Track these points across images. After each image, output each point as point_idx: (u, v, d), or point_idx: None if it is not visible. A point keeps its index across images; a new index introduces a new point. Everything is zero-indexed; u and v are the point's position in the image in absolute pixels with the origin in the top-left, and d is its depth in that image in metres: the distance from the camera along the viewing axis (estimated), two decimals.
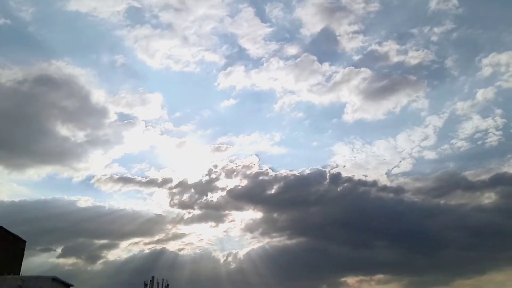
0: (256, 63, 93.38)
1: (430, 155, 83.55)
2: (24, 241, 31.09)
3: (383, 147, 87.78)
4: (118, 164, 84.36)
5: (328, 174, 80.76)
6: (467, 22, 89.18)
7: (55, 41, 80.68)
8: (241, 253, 75.03)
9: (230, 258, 74.50)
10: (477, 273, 63.31)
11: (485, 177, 70.75)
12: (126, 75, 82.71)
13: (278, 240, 75.72)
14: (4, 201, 63.81)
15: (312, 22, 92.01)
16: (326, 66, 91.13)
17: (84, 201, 75.26)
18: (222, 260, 73.48)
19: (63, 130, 71.51)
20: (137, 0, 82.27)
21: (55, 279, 27.48)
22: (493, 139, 77.09)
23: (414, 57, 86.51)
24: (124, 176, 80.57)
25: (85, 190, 78.66)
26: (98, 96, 73.22)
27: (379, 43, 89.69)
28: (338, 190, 76.92)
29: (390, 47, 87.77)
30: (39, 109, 68.52)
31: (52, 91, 70.92)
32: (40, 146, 67.55)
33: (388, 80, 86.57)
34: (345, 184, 77.64)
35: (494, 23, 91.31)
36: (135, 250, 71.62)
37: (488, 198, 69.36)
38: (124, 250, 71.73)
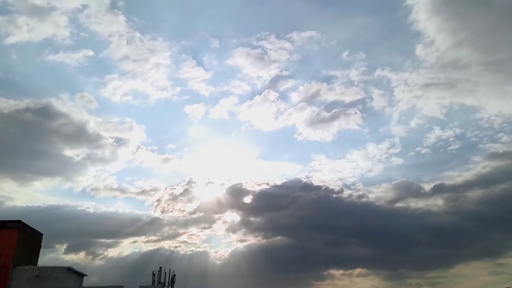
0: (212, 100, 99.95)
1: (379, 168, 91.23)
2: (41, 234, 32.78)
3: (344, 161, 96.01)
4: (115, 177, 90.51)
5: (301, 183, 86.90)
6: (378, 67, 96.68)
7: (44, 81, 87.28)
8: (229, 251, 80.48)
9: (218, 255, 79.38)
10: (446, 266, 71.44)
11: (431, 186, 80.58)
12: (111, 110, 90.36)
13: (261, 239, 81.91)
14: (17, 206, 68.56)
15: (247, 69, 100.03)
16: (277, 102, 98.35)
17: (86, 207, 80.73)
18: (212, 257, 78.20)
19: (66, 151, 78.39)
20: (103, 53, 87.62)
21: (70, 269, 29.30)
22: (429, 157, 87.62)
23: (345, 93, 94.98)
24: (120, 186, 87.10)
25: (87, 198, 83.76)
26: (94, 123, 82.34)
27: (310, 84, 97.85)
28: (311, 196, 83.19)
29: (321, 86, 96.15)
30: (42, 134, 75.05)
31: (52, 120, 77.38)
32: (45, 163, 74.73)
33: (329, 112, 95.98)
34: (317, 192, 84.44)
35: (401, 68, 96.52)
36: (135, 247, 77.81)
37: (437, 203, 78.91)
38: (125, 248, 77.25)
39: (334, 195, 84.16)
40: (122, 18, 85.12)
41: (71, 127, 78.08)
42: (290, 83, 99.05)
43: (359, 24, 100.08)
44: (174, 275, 28.96)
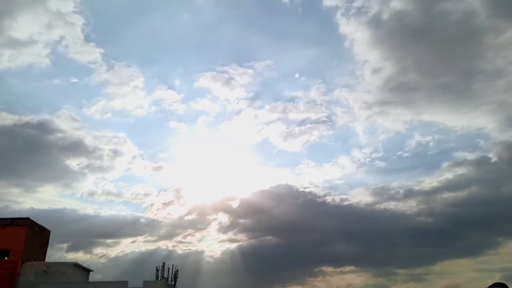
0: (190, 118, 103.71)
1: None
2: (49, 231, 33.76)
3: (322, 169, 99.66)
4: (114, 184, 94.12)
5: (288, 188, 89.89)
6: (337, 87, 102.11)
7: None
8: (222, 250, 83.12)
9: (212, 254, 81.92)
10: (429, 264, 75.85)
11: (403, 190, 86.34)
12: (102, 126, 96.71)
13: (251, 239, 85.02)
14: (24, 209, 71.93)
15: (217, 91, 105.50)
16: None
17: (87, 210, 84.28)
18: (206, 255, 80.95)
19: (66, 161, 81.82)
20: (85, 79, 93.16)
21: (76, 265, 30.21)
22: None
23: (310, 110, 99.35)
24: (119, 191, 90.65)
25: (87, 202, 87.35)
26: (89, 137, 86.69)
27: (277, 103, 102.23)
28: (298, 200, 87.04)
29: (285, 106, 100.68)
30: (42, 146, 78.48)
31: (50, 134, 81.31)
32: (47, 171, 78.45)
33: (301, 127, 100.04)
34: (302, 195, 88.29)
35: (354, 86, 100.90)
36: (134, 247, 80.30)
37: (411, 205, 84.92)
38: (124, 247, 79.85)
39: (319, 199, 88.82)
40: (98, 49, 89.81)
41: (68, 140, 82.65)
42: (257, 103, 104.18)
43: (311, 55, 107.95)
44: (177, 270, 29.73)
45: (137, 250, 76.67)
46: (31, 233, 30.85)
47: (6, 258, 29.66)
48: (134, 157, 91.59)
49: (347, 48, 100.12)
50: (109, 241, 78.06)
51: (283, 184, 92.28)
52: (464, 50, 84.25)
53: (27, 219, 31.29)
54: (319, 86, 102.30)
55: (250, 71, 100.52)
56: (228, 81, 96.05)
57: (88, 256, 72.48)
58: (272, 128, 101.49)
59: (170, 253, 72.12)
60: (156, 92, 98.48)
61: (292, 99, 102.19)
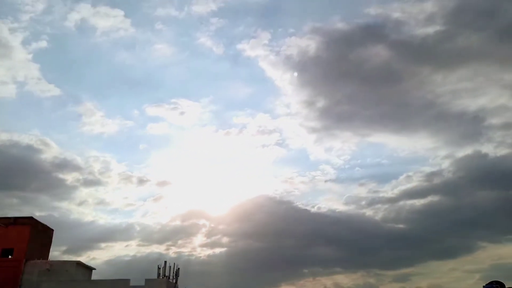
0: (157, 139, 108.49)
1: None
2: (52, 230, 34.18)
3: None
4: (108, 194, 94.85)
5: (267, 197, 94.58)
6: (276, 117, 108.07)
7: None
8: (209, 253, 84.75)
9: (201, 257, 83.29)
10: (408, 266, 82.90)
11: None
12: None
13: (238, 244, 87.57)
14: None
15: (171, 118, 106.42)
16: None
17: (82, 217, 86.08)
18: (194, 258, 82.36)
19: (58, 175, 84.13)
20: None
21: (79, 263, 30.62)
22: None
23: (258, 135, 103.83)
24: (111, 201, 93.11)
25: (82, 210, 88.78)
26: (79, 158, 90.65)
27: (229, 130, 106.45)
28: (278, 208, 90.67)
29: (239, 131, 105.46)
30: (37, 163, 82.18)
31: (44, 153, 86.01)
32: (40, 184, 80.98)
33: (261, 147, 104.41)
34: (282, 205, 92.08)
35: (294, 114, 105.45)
36: (128, 250, 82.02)
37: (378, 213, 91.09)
38: (118, 251, 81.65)
39: (296, 207, 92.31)
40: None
41: (60, 158, 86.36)
42: (213, 128, 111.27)
43: (249, 92, 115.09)
44: (178, 268, 29.98)
45: (131, 253, 79.29)
46: (34, 232, 31.27)
47: (10, 256, 30.13)
48: (119, 173, 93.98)
49: (279, 86, 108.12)
50: (103, 244, 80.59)
51: (261, 194, 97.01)
52: (390, 89, 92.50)
53: (31, 218, 31.74)
54: (263, 115, 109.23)
55: (197, 103, 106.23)
56: (181, 112, 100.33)
57: (81, 259, 74.91)
58: (236, 147, 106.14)
59: (162, 256, 74.53)
60: (117, 120, 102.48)
61: (244, 126, 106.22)
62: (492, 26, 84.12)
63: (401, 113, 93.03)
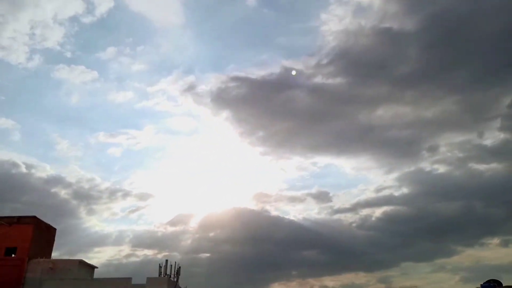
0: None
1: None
2: (55, 229, 34.50)
3: None
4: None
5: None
6: None
7: None
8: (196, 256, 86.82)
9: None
10: (391, 266, 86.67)
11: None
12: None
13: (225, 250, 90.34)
14: None
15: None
16: None
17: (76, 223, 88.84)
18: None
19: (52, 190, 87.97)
20: None
21: (81, 262, 30.94)
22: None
23: None
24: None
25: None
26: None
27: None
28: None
29: None
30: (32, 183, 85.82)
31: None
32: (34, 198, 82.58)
33: None
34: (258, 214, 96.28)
35: None
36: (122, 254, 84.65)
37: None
38: (112, 255, 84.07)
39: (271, 216, 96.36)
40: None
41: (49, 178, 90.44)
42: None
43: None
44: (180, 267, 30.27)
45: (124, 259, 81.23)
46: (37, 231, 31.59)
47: (13, 255, 30.45)
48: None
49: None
50: (97, 248, 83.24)
51: (239, 206, 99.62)
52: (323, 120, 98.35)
53: (34, 217, 32.03)
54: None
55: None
56: None
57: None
58: None
59: (153, 260, 77.31)
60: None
61: None
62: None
63: (340, 140, 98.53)
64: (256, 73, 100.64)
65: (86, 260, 32.24)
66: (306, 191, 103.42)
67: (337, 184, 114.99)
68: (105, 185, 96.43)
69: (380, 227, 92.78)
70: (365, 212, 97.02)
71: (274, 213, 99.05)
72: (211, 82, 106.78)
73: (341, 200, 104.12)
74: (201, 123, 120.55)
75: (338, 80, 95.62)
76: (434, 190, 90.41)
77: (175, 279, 30.08)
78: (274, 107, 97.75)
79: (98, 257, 78.98)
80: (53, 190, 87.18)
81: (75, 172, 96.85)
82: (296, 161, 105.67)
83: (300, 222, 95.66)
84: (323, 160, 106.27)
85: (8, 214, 32.80)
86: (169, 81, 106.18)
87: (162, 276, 29.05)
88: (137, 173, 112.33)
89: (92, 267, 32.77)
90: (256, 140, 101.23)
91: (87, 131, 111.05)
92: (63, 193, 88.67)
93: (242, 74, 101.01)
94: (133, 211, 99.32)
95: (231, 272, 79.05)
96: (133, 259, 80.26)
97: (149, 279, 28.36)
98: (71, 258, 32.33)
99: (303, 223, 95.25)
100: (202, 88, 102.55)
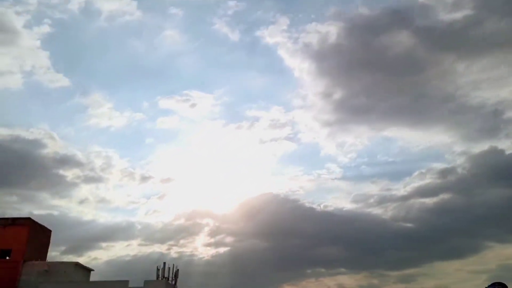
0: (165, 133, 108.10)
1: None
2: (50, 231, 33.89)
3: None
4: (109, 191, 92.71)
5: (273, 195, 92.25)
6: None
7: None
8: (213, 253, 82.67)
9: (204, 258, 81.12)
10: (416, 265, 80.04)
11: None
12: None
13: (241, 243, 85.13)
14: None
15: (182, 111, 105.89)
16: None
17: (83, 215, 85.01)
18: (198, 258, 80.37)
19: (59, 171, 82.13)
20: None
21: (77, 264, 30.38)
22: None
23: (272, 127, 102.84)
24: (112, 198, 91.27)
25: (82, 208, 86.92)
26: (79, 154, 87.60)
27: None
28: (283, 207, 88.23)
29: (251, 124, 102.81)
30: (37, 159, 79.52)
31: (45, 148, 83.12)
32: (41, 181, 78.98)
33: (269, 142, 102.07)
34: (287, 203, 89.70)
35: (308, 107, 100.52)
36: (129, 250, 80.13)
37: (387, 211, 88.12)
38: (119, 251, 79.81)
39: (302, 205, 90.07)
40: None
41: (59, 156, 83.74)
42: (223, 122, 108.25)
43: (264, 82, 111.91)
44: (178, 270, 29.82)
45: (131, 253, 77.67)
46: (32, 233, 31.00)
47: (7, 257, 29.85)
48: (122, 169, 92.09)
49: (296, 76, 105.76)
50: (104, 244, 78.97)
51: (267, 192, 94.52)
52: (411, 78, 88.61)
53: (29, 218, 31.50)
54: (278, 107, 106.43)
55: (210, 95, 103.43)
56: (192, 104, 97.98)
57: (81, 259, 73.72)
58: (245, 142, 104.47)
59: (163, 257, 72.20)
60: (126, 113, 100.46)
61: (256, 119, 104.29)
62: None
63: (418, 105, 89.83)
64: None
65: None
66: (354, 176, 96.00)
67: (396, 169, 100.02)
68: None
69: (422, 219, 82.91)
70: (414, 201, 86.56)
71: (307, 202, 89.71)
72: None
73: (394, 186, 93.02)
74: None
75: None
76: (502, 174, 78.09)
77: (173, 282, 29.63)
78: (365, 56, 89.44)
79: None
80: None
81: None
82: (359, 135, 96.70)
83: (333, 213, 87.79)
84: (390, 133, 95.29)
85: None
86: None
87: (160, 279, 28.59)
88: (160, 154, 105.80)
89: (88, 270, 32.22)
90: (326, 105, 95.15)
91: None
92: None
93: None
94: (149, 199, 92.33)
95: (245, 269, 73.00)
96: (142, 254, 74.00)
97: (146, 282, 27.83)
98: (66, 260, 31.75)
99: (336, 213, 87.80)
100: None
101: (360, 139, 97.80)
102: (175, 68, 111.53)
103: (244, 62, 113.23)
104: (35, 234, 31.41)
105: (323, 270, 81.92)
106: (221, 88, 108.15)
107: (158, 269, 28.94)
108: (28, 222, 31.07)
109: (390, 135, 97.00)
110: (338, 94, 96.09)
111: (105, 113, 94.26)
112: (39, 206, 76.37)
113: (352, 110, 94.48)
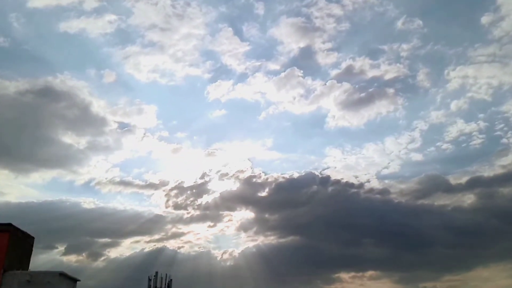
0: (241, 77, 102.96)
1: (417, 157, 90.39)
2: (33, 238, 31.92)
3: (371, 149, 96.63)
4: (118, 169, 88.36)
5: (318, 177, 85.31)
6: (432, 39, 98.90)
7: (52, 58, 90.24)
8: (237, 251, 78.62)
9: (226, 256, 78.22)
10: (464, 269, 67.85)
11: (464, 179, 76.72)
12: (122, 89, 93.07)
13: (271, 239, 79.78)
14: (12, 202, 65.66)
15: (287, 41, 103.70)
16: (309, 80, 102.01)
17: (87, 203, 78.98)
18: (219, 257, 76.90)
19: (65, 138, 75.15)
20: (124, 21, 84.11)
21: (62, 274, 28.49)
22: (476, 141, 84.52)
23: (387, 71, 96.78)
24: (124, 179, 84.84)
25: (88, 193, 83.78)
26: (98, 106, 78.29)
27: (353, 59, 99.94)
28: (328, 191, 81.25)
29: (363, 62, 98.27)
30: (42, 118, 72.05)
31: (54, 101, 74.92)
32: (44, 152, 71.15)
33: (365, 93, 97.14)
34: (335, 186, 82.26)
35: (458, 41, 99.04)
36: (137, 248, 75.08)
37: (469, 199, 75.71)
38: (127, 248, 75.07)
39: (352, 190, 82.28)
40: None
41: (74, 110, 75.07)
42: (331, 57, 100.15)
43: None
44: (171, 280, 28.24)
45: (138, 251, 72.13)
46: (13, 240, 29.01)
47: None
48: (144, 135, 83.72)
49: None
50: (110, 240, 73.06)
51: (309, 171, 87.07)
52: None
53: (10, 224, 29.47)
54: (414, 35, 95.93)
55: (338, 10, 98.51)
56: (304, 27, 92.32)
57: (84, 258, 68.02)
58: (330, 94, 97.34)
59: (177, 255, 68.29)
60: (217, 40, 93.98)
61: (373, 53, 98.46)
62: None
63: None
64: None
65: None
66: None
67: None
68: None
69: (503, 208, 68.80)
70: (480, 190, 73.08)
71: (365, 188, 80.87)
72: None
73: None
74: None
75: None
76: None
77: None
78: None
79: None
80: None
81: None
82: None
83: (397, 202, 79.37)
84: None
85: None
86: None
87: None
88: None
89: (74, 280, 30.32)
90: None
91: None
92: None
93: None
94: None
95: (264, 272, 68.47)
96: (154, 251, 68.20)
97: None
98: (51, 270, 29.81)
99: (398, 203, 79.54)
100: None
101: (491, 80, 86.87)
102: None
103: None
104: (16, 241, 29.42)
105: (351, 273, 75.57)
106: None
107: (149, 280, 27.35)
108: (8, 228, 29.03)
109: None
110: None
111: (178, 41, 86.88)
112: (33, 189, 67.75)
113: None
